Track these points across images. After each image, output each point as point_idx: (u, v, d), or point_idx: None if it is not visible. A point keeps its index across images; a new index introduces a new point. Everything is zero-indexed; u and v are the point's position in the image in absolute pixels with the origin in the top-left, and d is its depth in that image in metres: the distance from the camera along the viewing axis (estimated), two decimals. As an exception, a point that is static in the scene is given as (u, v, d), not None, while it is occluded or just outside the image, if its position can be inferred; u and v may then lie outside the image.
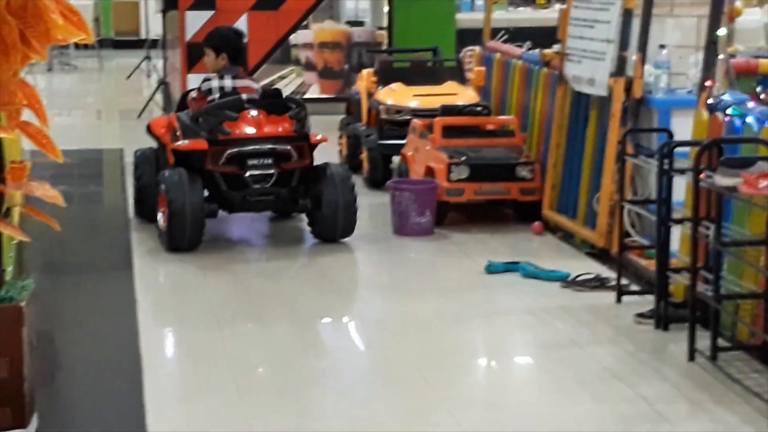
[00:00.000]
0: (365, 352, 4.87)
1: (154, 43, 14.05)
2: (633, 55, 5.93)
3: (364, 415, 4.10)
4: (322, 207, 6.20)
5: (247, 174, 6.14)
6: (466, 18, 11.50)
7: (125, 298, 5.41)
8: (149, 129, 6.86)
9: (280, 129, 6.22)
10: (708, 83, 5.11)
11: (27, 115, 3.80)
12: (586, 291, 5.48)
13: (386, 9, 11.22)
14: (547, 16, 10.93)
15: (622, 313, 5.14)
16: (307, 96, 11.04)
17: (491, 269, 5.78)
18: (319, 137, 6.31)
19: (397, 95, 7.82)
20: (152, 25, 14.25)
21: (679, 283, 4.96)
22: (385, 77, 8.06)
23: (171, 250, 6.12)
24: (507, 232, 6.61)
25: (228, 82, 6.41)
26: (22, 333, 3.69)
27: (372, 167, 7.72)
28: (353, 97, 8.55)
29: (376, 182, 7.66)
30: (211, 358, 4.63)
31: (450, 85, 7.90)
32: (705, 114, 5.03)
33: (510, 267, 5.78)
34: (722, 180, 4.36)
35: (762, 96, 5.79)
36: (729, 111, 4.91)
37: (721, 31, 5.21)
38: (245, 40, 6.78)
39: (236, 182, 6.17)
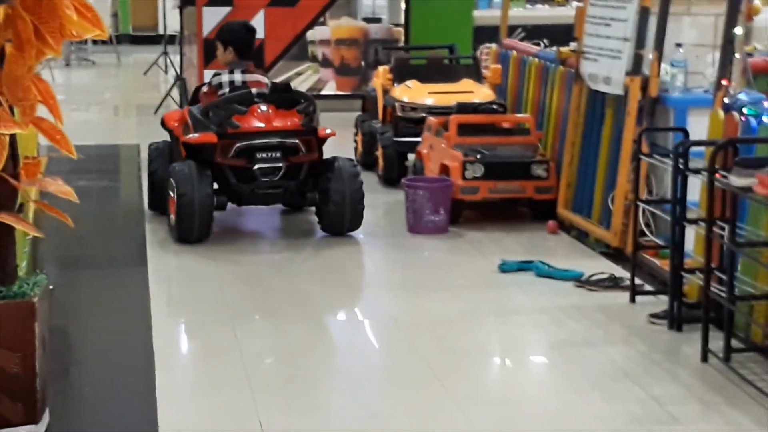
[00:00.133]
0: (377, 350, 4.87)
1: (171, 39, 14.07)
2: (649, 54, 5.91)
3: (375, 412, 4.10)
4: (329, 201, 6.27)
5: (256, 167, 6.23)
6: (484, 15, 11.46)
7: (139, 292, 5.43)
8: (163, 122, 6.93)
9: (289, 123, 6.29)
10: (724, 82, 5.08)
11: (43, 110, 3.81)
12: (599, 291, 5.46)
13: (403, 6, 11.21)
14: (565, 13, 10.87)
15: (636, 314, 5.12)
16: (323, 93, 11.05)
17: (505, 268, 5.77)
18: (328, 131, 6.37)
19: (413, 92, 7.81)
20: (170, 20, 14.26)
21: (693, 283, 4.94)
22: (400, 74, 8.05)
23: (180, 241, 6.21)
24: (522, 230, 6.60)
25: (238, 77, 6.49)
26: (35, 328, 3.70)
27: (387, 165, 7.72)
28: (369, 95, 8.55)
29: (391, 180, 7.65)
30: (223, 355, 4.63)
31: (466, 83, 7.88)
32: (721, 113, 5.00)
33: (523, 266, 5.77)
34: (737, 180, 4.34)
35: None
36: (745, 110, 4.89)
37: (738, 30, 5.19)
38: (255, 35, 6.81)
39: (245, 175, 6.26)
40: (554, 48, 7.21)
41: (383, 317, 5.19)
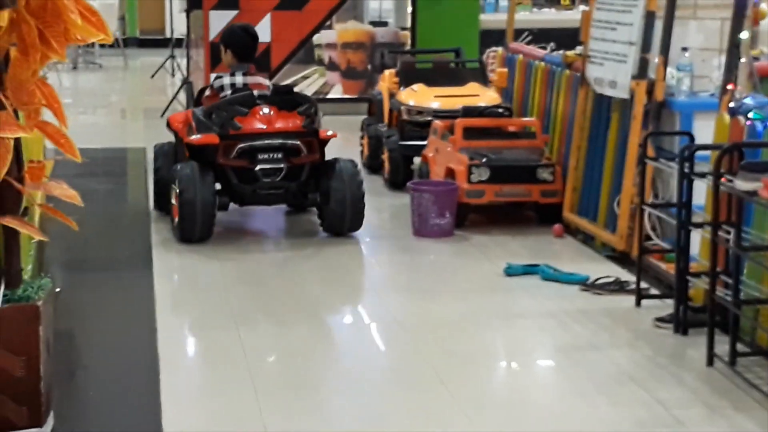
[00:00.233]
0: (382, 353, 4.87)
1: (178, 42, 14.09)
2: (655, 58, 5.90)
3: (379, 414, 4.10)
4: (330, 201, 6.34)
5: (258, 168, 6.31)
6: (490, 19, 11.46)
7: (144, 294, 5.44)
8: (168, 124, 7.02)
9: (290, 124, 6.38)
10: (730, 86, 5.07)
11: (48, 114, 3.82)
12: (605, 294, 5.46)
13: (410, 9, 11.22)
14: (571, 17, 10.86)
15: (642, 317, 5.11)
16: (329, 96, 11.07)
17: (510, 271, 5.76)
18: (329, 133, 6.45)
19: (419, 96, 7.81)
20: (177, 24, 14.28)
21: (698, 287, 4.93)
22: (406, 78, 8.05)
23: (183, 241, 6.28)
24: (527, 234, 6.59)
25: (239, 79, 6.60)
26: (39, 332, 3.70)
27: (393, 168, 7.72)
28: (375, 98, 8.55)
29: (396, 183, 7.65)
30: (227, 357, 4.63)
31: (472, 87, 7.88)
32: (726, 117, 5.00)
33: (529, 269, 5.76)
34: (742, 184, 4.33)
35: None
36: (751, 114, 4.88)
37: (744, 34, 5.18)
38: (257, 38, 6.90)
39: (247, 176, 6.34)
40: (560, 52, 7.21)
41: (388, 320, 5.19)
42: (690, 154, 4.81)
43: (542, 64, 7.35)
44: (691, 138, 5.24)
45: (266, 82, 6.72)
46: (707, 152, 4.95)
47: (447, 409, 4.13)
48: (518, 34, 10.28)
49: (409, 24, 11.22)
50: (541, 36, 11.29)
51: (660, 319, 4.99)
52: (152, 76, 14.52)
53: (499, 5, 12.09)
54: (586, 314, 5.19)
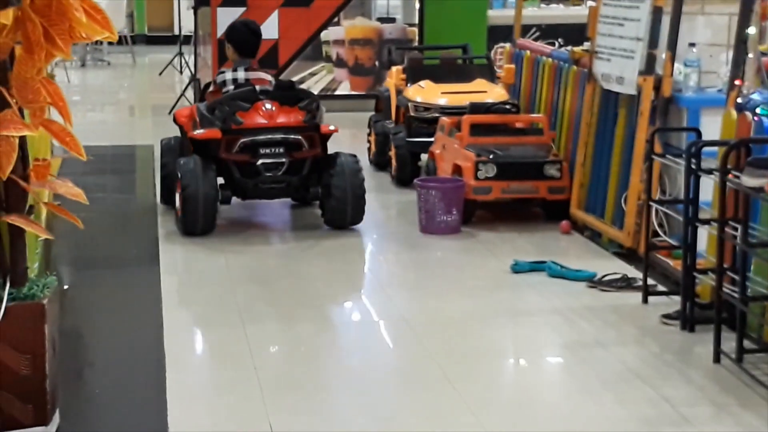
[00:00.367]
0: (389, 351, 4.86)
1: (186, 39, 14.10)
2: (663, 54, 5.89)
3: (386, 414, 4.10)
4: (332, 195, 6.41)
5: (259, 162, 6.40)
6: (498, 15, 11.43)
7: (151, 291, 5.44)
8: (175, 119, 7.09)
9: (292, 119, 6.46)
10: (737, 82, 5.05)
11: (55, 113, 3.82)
12: (612, 291, 5.45)
13: (417, 6, 11.20)
14: (580, 12, 10.83)
15: (648, 314, 5.10)
16: (337, 93, 11.06)
17: (517, 268, 5.75)
18: (331, 128, 6.52)
19: (426, 93, 7.80)
20: (185, 21, 14.29)
21: (705, 284, 4.91)
22: (414, 74, 8.05)
23: (186, 234, 6.37)
24: (534, 231, 6.58)
25: (241, 74, 6.71)
26: (45, 330, 3.70)
27: (400, 165, 7.71)
28: (382, 95, 8.54)
29: (403, 180, 7.65)
30: (233, 355, 4.63)
31: (479, 83, 7.87)
32: (734, 113, 4.98)
33: (536, 266, 5.75)
34: (749, 180, 4.32)
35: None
36: (758, 110, 4.86)
37: (752, 30, 5.16)
38: (259, 33, 6.97)
39: (249, 170, 6.44)
40: (568, 48, 7.19)
41: (394, 318, 5.18)
42: (697, 151, 4.80)
43: (549, 60, 7.34)
44: (699, 134, 5.22)
45: (268, 77, 6.81)
46: (714, 148, 4.93)
47: (453, 408, 4.12)
48: (526, 30, 10.27)
49: (416, 20, 11.21)
50: (549, 32, 11.29)
51: (667, 316, 4.98)
52: (160, 74, 14.52)
53: (507, 1, 12.06)
54: (592, 311, 5.18)
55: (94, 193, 7.35)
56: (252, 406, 4.10)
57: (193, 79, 11.45)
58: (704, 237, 5.05)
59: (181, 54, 14.13)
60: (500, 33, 10.47)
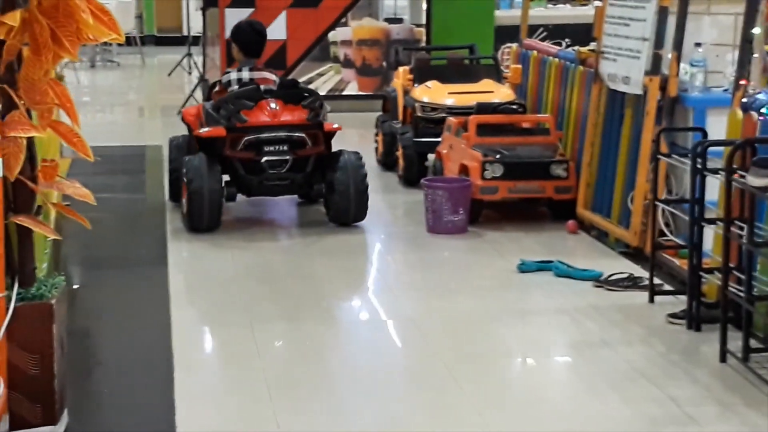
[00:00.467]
0: (396, 351, 4.87)
1: (195, 40, 14.12)
2: (668, 54, 5.89)
3: (392, 413, 4.11)
4: (335, 192, 6.49)
5: (264, 160, 6.51)
6: (505, 15, 11.44)
7: (159, 291, 5.47)
8: (183, 117, 7.20)
9: (295, 117, 6.56)
10: (743, 82, 5.06)
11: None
12: (618, 291, 5.45)
13: (425, 6, 11.21)
14: (587, 12, 10.83)
15: (655, 314, 5.11)
16: (345, 93, 11.07)
17: (524, 268, 5.76)
18: (335, 126, 6.62)
19: (433, 93, 7.81)
20: (194, 22, 14.31)
21: (711, 283, 4.92)
22: (421, 75, 8.06)
23: (192, 230, 6.46)
24: (541, 230, 6.59)
25: (245, 74, 6.83)
26: (53, 330, 3.73)
27: (407, 165, 7.72)
28: (389, 95, 8.55)
29: (411, 180, 7.66)
30: (241, 355, 4.65)
31: (486, 83, 7.88)
32: (739, 113, 4.98)
33: (542, 266, 5.76)
34: (755, 180, 4.32)
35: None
36: (764, 110, 4.87)
37: (757, 29, 5.16)
38: (264, 33, 7.06)
39: (253, 167, 6.54)
40: (574, 48, 7.20)
41: (401, 318, 5.20)
42: (703, 150, 4.81)
43: (556, 60, 7.34)
44: (704, 134, 5.23)
45: (272, 76, 6.90)
46: (720, 148, 4.94)
47: (460, 407, 4.13)
48: (533, 30, 10.27)
49: (424, 21, 11.21)
50: (556, 32, 11.28)
51: (673, 316, 4.99)
52: (169, 74, 14.55)
53: (514, 1, 12.08)
54: (599, 311, 5.19)
55: (103, 193, 7.39)
56: (259, 406, 4.11)
57: (202, 79, 11.47)
58: (710, 236, 5.06)
59: (189, 55, 14.15)
60: (507, 33, 10.46)
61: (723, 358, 4.49)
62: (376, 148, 8.45)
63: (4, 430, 3.63)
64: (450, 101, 7.70)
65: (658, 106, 5.88)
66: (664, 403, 4.13)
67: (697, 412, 4.05)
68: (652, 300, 5.27)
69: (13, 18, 3.57)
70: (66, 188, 3.87)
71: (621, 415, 4.07)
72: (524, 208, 6.92)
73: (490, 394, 4.28)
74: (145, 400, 4.23)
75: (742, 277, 4.53)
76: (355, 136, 9.35)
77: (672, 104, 5.87)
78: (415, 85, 7.99)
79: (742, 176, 4.43)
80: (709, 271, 4.88)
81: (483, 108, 7.14)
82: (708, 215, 4.89)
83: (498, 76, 8.01)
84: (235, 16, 10.43)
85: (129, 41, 15.96)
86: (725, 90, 5.75)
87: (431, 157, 7.56)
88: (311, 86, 10.11)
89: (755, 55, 5.16)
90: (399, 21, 11.36)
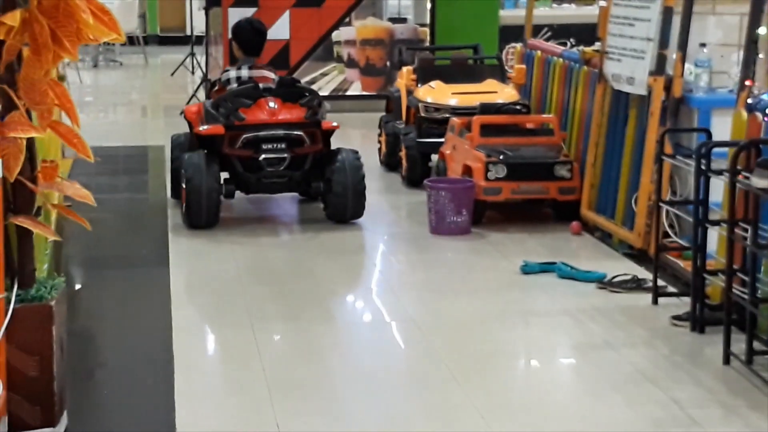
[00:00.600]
0: (398, 351, 4.85)
1: (198, 40, 14.12)
2: (673, 54, 5.87)
3: (394, 414, 4.09)
4: (333, 190, 6.54)
5: (262, 157, 6.57)
6: (510, 15, 11.41)
7: (160, 292, 5.45)
8: (185, 115, 7.23)
9: (293, 116, 6.61)
10: (748, 83, 5.04)
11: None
12: (622, 292, 5.43)
13: (429, 6, 11.19)
14: (592, 12, 10.79)
15: (658, 315, 5.08)
16: (348, 93, 11.06)
17: (527, 269, 5.74)
18: (333, 124, 6.66)
19: (436, 93, 7.79)
20: (197, 21, 14.31)
21: (715, 285, 4.90)
22: (424, 75, 8.04)
23: (190, 227, 6.51)
24: (545, 231, 6.57)
25: (244, 72, 6.89)
26: (52, 331, 3.71)
27: (410, 165, 7.70)
28: (392, 95, 8.53)
29: (414, 180, 7.64)
30: (242, 357, 4.63)
31: (490, 83, 7.85)
32: (744, 114, 4.96)
33: (546, 267, 5.74)
34: (759, 181, 4.30)
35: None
36: (768, 111, 4.84)
37: (762, 30, 5.14)
38: (263, 32, 7.12)
39: (252, 165, 6.60)
40: (578, 48, 7.18)
41: (404, 319, 5.18)
42: (707, 151, 4.78)
43: (560, 60, 7.32)
44: (709, 135, 5.20)
45: (271, 74, 6.94)
46: (725, 149, 4.91)
47: (462, 409, 4.11)
48: (538, 30, 10.23)
49: (428, 20, 11.20)
50: (561, 32, 11.26)
51: (677, 317, 4.97)
52: (172, 74, 14.54)
53: (518, 1, 12.05)
54: (602, 312, 5.17)
55: (105, 194, 7.39)
56: (260, 407, 4.10)
57: (205, 79, 11.46)
58: (714, 238, 5.03)
59: (192, 54, 14.15)
60: (511, 33, 10.45)
61: (727, 361, 4.46)
62: (379, 149, 8.43)
63: (3, 432, 3.62)
64: (453, 101, 7.68)
65: (662, 106, 5.85)
66: (668, 405, 4.11)
67: (701, 415, 4.02)
68: (655, 302, 5.25)
69: (13, 18, 3.56)
70: (66, 189, 3.86)
71: (624, 417, 4.05)
72: (528, 209, 6.89)
73: (493, 395, 4.26)
74: (146, 402, 4.22)
75: (746, 279, 4.51)
76: (358, 136, 9.35)
77: (676, 105, 5.85)
78: (419, 85, 7.97)
79: (747, 177, 4.40)
80: (713, 272, 4.86)
81: (487, 108, 7.12)
82: (712, 217, 4.87)
83: (502, 77, 7.99)
84: (238, 16, 10.39)
85: (132, 41, 15.97)
86: (730, 91, 5.73)
87: (434, 157, 7.54)
88: (314, 86, 10.11)
89: (760, 56, 5.14)
90: (403, 21, 11.34)
